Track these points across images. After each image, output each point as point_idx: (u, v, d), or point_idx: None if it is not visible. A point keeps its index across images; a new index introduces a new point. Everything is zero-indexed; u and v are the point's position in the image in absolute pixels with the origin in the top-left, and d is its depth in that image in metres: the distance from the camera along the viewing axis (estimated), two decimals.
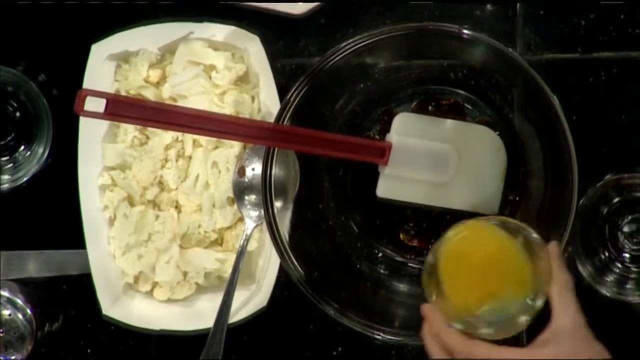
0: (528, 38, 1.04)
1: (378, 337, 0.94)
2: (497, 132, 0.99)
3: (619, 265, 1.02)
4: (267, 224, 0.95)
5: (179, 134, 1.02)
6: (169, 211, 1.03)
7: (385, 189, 0.98)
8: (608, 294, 1.02)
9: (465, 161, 0.98)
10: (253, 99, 1.03)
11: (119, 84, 1.03)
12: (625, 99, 1.03)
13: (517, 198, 1.01)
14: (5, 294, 1.05)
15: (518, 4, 1.03)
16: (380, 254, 1.03)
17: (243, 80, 1.04)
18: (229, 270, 1.01)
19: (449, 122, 0.99)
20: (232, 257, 1.02)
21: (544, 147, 0.97)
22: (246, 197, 1.01)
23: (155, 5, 1.05)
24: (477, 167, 0.98)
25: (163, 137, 1.02)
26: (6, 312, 1.05)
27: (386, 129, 1.00)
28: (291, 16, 1.04)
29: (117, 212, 1.02)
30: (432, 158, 0.97)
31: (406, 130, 0.97)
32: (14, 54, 1.06)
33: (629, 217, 1.02)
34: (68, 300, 1.08)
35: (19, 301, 1.06)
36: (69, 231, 1.03)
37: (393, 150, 0.96)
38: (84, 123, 1.01)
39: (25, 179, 1.05)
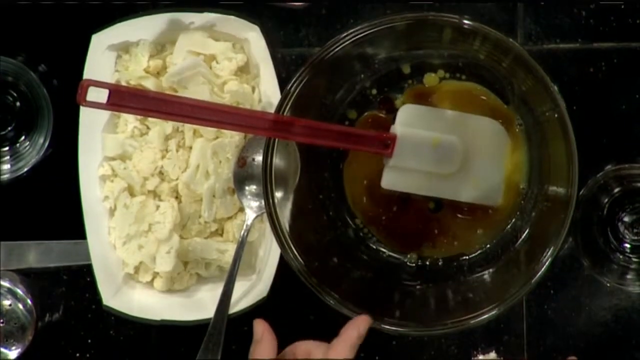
0: (528, 28, 1.04)
1: (378, 327, 0.94)
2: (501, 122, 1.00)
3: (620, 255, 1.02)
4: (268, 214, 0.95)
5: (179, 125, 1.02)
6: (170, 201, 1.02)
7: (390, 180, 0.98)
8: (608, 284, 1.02)
9: (470, 153, 0.98)
10: (253, 89, 1.03)
11: (119, 74, 1.03)
12: (625, 90, 1.03)
13: None
14: (5, 284, 1.05)
15: None
16: (381, 247, 1.04)
17: (243, 70, 1.04)
18: (230, 260, 1.01)
19: (454, 114, 0.99)
20: (232, 248, 1.02)
21: (544, 138, 0.97)
22: (247, 188, 1.02)
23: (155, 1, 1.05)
24: (482, 158, 0.99)
25: (163, 127, 1.02)
26: (6, 303, 1.05)
27: (387, 119, 1.00)
28: (291, 6, 1.04)
29: (117, 202, 1.02)
30: (436, 150, 0.97)
31: (411, 121, 0.97)
32: (14, 44, 1.06)
33: (630, 207, 1.02)
34: (68, 291, 1.08)
35: (20, 291, 1.06)
36: (69, 221, 1.03)
37: (398, 142, 0.96)
38: (84, 113, 1.01)
39: (25, 169, 1.05)
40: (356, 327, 0.89)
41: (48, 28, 1.07)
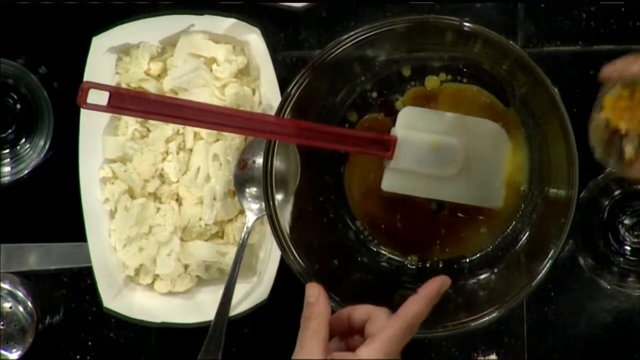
0: (529, 31, 1.04)
1: None
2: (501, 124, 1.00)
3: (620, 257, 1.02)
4: (268, 217, 0.95)
5: (180, 127, 1.02)
6: (170, 204, 1.03)
7: (390, 182, 0.98)
8: (609, 286, 1.02)
9: (471, 155, 0.98)
10: (254, 91, 1.03)
11: (120, 76, 1.03)
12: None
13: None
14: (6, 286, 1.05)
15: None
16: (381, 249, 1.04)
17: (244, 72, 1.04)
18: (230, 262, 1.01)
19: (454, 116, 0.99)
20: (233, 250, 1.02)
21: (545, 140, 0.97)
22: (247, 190, 1.01)
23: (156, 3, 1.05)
24: (482, 160, 0.99)
25: (164, 129, 1.02)
26: (7, 305, 1.05)
27: (388, 121, 1.00)
28: (292, 8, 1.04)
29: (118, 204, 1.02)
30: (437, 152, 0.97)
31: (411, 124, 0.97)
32: (14, 47, 1.06)
33: (630, 210, 1.02)
34: (69, 293, 1.08)
35: (20, 294, 1.06)
36: (69, 224, 1.04)
37: (398, 144, 0.96)
38: (84, 116, 1.01)
39: (26, 171, 1.05)
40: (435, 289, 0.87)
41: (48, 30, 1.07)
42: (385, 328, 0.83)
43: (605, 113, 0.91)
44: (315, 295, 0.86)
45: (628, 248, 1.02)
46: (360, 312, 0.87)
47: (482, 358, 1.05)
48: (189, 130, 1.02)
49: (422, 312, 0.84)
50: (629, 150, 0.89)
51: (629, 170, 0.90)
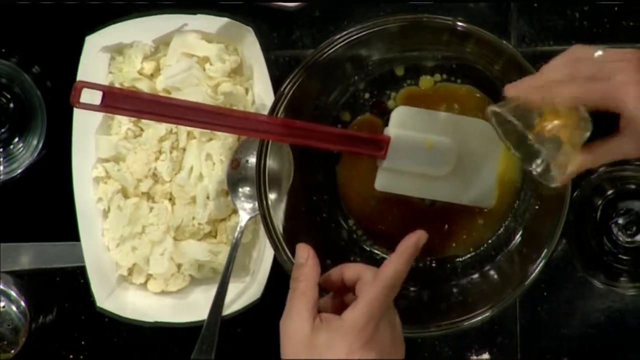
0: (522, 30, 1.04)
1: None
2: None
3: (613, 257, 1.02)
4: (261, 216, 0.95)
5: (173, 126, 1.02)
6: (163, 203, 1.02)
7: (384, 182, 0.98)
8: (601, 286, 1.02)
9: (464, 154, 0.98)
10: (247, 91, 1.03)
11: (113, 76, 1.03)
12: None
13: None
14: None
15: None
16: (375, 248, 1.04)
17: (237, 72, 1.04)
18: (223, 262, 1.01)
19: (447, 116, 0.99)
20: (226, 249, 1.02)
21: None
22: (240, 189, 1.01)
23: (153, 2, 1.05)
24: (475, 160, 0.99)
25: (157, 129, 1.02)
26: (0, 305, 1.05)
27: (381, 121, 1.00)
28: (285, 8, 1.04)
29: (111, 204, 1.02)
30: (430, 152, 0.97)
31: (404, 123, 0.97)
32: (8, 46, 1.06)
33: (623, 210, 1.02)
34: (62, 293, 1.08)
35: (13, 293, 1.06)
36: (63, 223, 1.03)
37: (391, 144, 0.96)
38: (78, 115, 1.00)
39: (19, 171, 1.05)
40: (412, 244, 0.86)
41: (41, 30, 1.07)
42: (366, 292, 0.82)
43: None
44: (304, 257, 0.86)
45: (621, 247, 1.02)
46: (350, 271, 0.86)
47: (475, 357, 1.05)
48: (182, 130, 1.02)
49: (401, 271, 0.84)
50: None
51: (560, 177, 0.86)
